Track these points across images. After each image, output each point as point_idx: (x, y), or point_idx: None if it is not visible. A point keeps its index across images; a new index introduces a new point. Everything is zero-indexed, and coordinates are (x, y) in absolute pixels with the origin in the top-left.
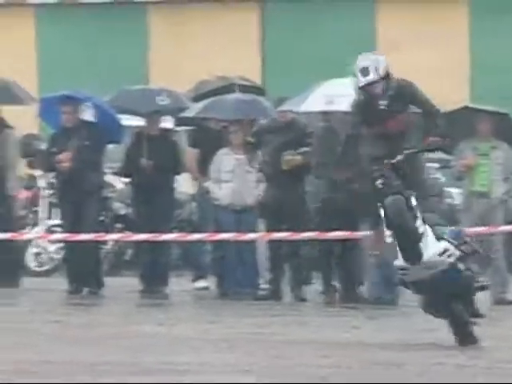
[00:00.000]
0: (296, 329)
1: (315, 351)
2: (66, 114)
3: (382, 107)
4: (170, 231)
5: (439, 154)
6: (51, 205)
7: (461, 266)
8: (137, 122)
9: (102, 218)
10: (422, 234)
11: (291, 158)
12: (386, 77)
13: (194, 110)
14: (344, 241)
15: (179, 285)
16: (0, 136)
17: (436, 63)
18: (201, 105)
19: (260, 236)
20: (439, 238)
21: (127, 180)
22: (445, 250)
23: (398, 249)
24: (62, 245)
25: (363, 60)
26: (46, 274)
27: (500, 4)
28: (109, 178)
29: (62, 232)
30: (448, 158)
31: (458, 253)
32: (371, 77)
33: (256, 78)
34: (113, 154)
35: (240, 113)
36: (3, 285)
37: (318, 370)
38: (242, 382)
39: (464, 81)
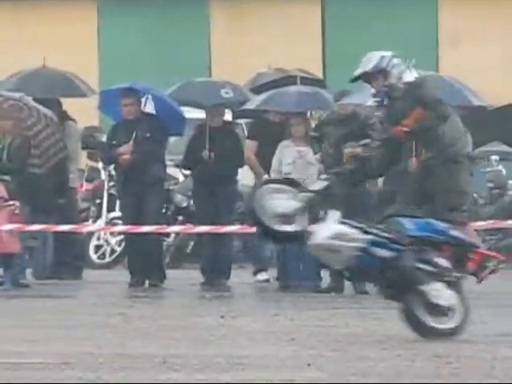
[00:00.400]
0: (357, 321)
1: (376, 344)
2: (127, 107)
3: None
4: (232, 223)
5: (501, 147)
6: (112, 197)
7: (382, 252)
8: (199, 114)
9: (163, 211)
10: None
11: (352, 150)
12: (378, 74)
13: (255, 102)
14: None
15: (240, 277)
16: (62, 128)
17: (498, 59)
18: (262, 97)
19: None
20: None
21: (189, 172)
22: (338, 234)
23: None
24: (123, 237)
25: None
26: (108, 266)
27: None
28: (170, 171)
29: (122, 224)
30: (509, 150)
31: (368, 237)
32: (357, 71)
33: (317, 71)
34: (174, 147)
35: (302, 105)
36: (66, 277)
37: (379, 363)
38: (303, 376)
39: None
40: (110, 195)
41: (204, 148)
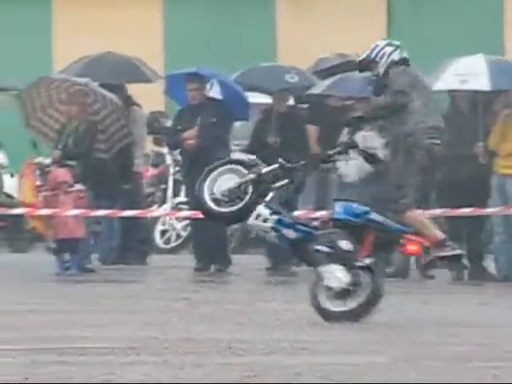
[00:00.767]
0: (422, 306)
1: (442, 329)
2: (192, 91)
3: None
4: (297, 208)
5: None
6: (177, 182)
7: (288, 232)
8: (265, 99)
9: None
10: None
11: None
12: (371, 64)
13: (320, 87)
14: (472, 218)
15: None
16: (128, 114)
17: None
18: (327, 82)
19: None
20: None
21: (255, 157)
22: (258, 215)
23: None
24: (188, 222)
25: None
26: (173, 251)
27: None
28: (236, 156)
29: (188, 209)
30: None
31: (274, 217)
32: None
33: None
34: (240, 132)
35: (366, 90)
36: (131, 262)
37: (444, 348)
38: (367, 361)
39: None
40: (175, 180)
41: (270, 133)
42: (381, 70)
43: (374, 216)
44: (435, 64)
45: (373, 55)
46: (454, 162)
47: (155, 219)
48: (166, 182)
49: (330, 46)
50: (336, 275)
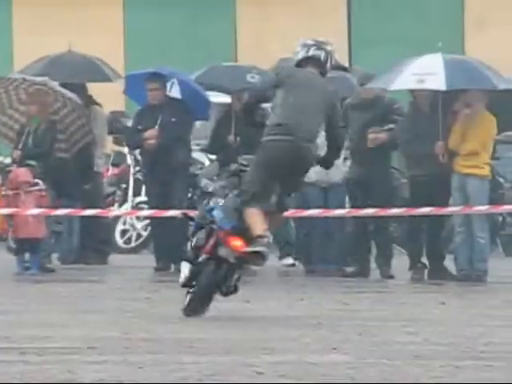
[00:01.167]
0: (383, 306)
1: (403, 328)
2: (152, 91)
3: None
4: None
5: None
6: (138, 182)
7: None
8: (225, 98)
9: (189, 195)
10: None
11: (375, 136)
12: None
13: None
14: (433, 217)
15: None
16: (88, 113)
17: None
18: None
19: (347, 212)
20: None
21: (214, 157)
22: None
23: None
24: (149, 222)
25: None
26: (134, 250)
27: None
28: (196, 155)
29: (148, 209)
30: None
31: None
32: None
33: (342, 55)
34: (200, 131)
35: None
36: (92, 262)
37: (405, 347)
38: (329, 360)
39: None
40: (135, 180)
41: (230, 133)
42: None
43: (214, 212)
44: (394, 63)
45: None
46: (414, 161)
47: (115, 219)
48: (126, 182)
49: (290, 46)
50: (182, 271)
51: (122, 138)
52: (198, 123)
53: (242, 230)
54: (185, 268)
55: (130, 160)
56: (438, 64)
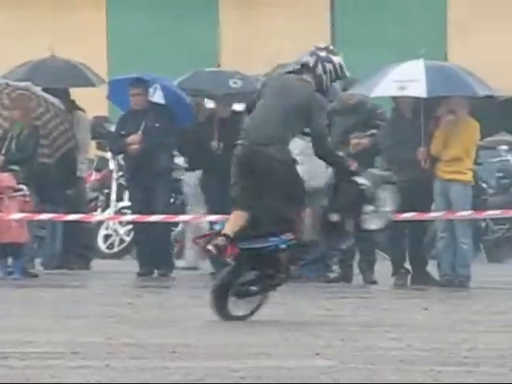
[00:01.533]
0: (366, 311)
1: (386, 333)
2: (135, 96)
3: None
4: None
5: (510, 137)
6: (121, 187)
7: None
8: (209, 104)
9: (172, 200)
10: None
11: (358, 141)
12: None
13: None
14: (415, 222)
15: None
16: (71, 118)
17: (507, 46)
18: None
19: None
20: None
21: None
22: None
23: None
24: (132, 227)
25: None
26: (117, 256)
27: None
28: (180, 160)
29: (131, 214)
30: None
31: None
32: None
33: None
34: None
35: None
36: (75, 267)
37: (389, 352)
38: (312, 365)
39: None
40: (118, 185)
41: (213, 138)
42: None
43: None
44: (377, 68)
45: None
46: (396, 166)
47: (98, 224)
48: (109, 187)
49: (273, 49)
50: None
51: (105, 143)
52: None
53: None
54: None
55: (112, 165)
56: (419, 71)
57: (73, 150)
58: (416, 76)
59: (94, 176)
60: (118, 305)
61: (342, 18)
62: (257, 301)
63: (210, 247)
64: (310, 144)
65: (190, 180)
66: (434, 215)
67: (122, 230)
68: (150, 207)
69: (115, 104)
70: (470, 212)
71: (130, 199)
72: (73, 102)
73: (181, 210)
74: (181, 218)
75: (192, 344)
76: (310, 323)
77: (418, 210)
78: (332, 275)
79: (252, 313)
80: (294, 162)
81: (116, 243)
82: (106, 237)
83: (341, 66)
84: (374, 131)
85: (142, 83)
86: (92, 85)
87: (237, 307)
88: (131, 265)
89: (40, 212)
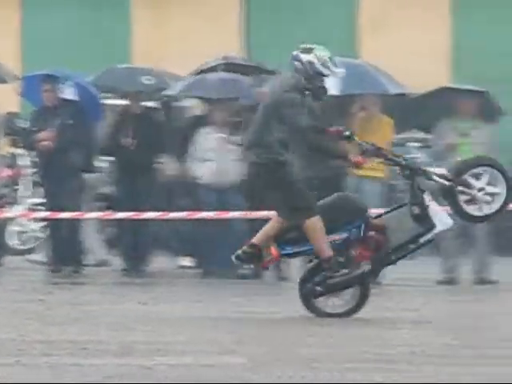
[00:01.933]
0: (278, 308)
1: (297, 330)
2: (46, 93)
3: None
4: (153, 210)
5: (419, 134)
6: (34, 184)
7: None
8: (121, 100)
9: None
10: None
11: None
12: None
13: (176, 88)
14: None
15: (162, 263)
16: None
17: (418, 44)
18: (184, 83)
19: (242, 214)
20: None
21: (110, 159)
22: None
23: None
24: (44, 223)
25: (326, 51)
26: (29, 252)
27: None
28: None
29: (43, 211)
30: (428, 137)
31: None
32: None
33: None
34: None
35: (222, 92)
36: None
37: (303, 349)
38: (224, 362)
39: (446, 62)
40: (31, 181)
41: (125, 135)
42: None
43: None
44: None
45: None
46: (307, 163)
47: (9, 220)
48: (19, 184)
49: (186, 48)
50: None
51: (18, 140)
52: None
53: None
54: None
55: (24, 161)
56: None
57: None
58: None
59: (5, 172)
60: (30, 301)
61: (253, 17)
62: (352, 300)
63: (239, 255)
64: (222, 141)
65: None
66: None
67: (33, 227)
68: (61, 204)
69: (28, 100)
70: (381, 210)
71: (43, 196)
72: None
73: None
74: (87, 215)
75: (104, 341)
76: (224, 320)
77: None
78: (244, 272)
79: (349, 311)
80: (282, 162)
81: (28, 239)
82: (18, 233)
83: (310, 63)
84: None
85: (53, 80)
86: (4, 81)
87: (327, 305)
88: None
89: None
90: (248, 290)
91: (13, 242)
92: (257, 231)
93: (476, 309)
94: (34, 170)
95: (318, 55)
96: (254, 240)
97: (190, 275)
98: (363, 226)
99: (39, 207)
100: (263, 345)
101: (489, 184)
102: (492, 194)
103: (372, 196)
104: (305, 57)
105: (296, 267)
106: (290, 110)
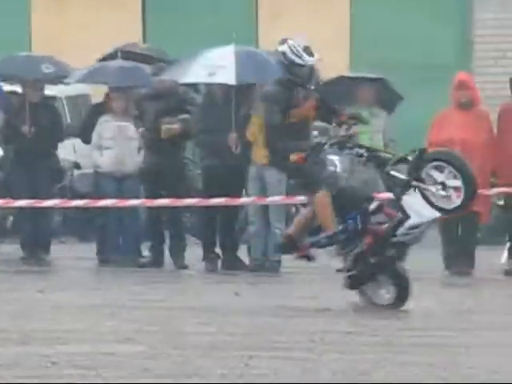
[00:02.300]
0: (177, 296)
1: (197, 318)
2: None
3: (311, 88)
4: (52, 198)
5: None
6: None
7: None
8: (19, 88)
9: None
10: None
11: (169, 126)
12: None
13: (76, 76)
14: (226, 207)
15: (60, 252)
16: None
17: (318, 32)
18: (84, 71)
19: (141, 203)
20: None
21: (8, 147)
22: None
23: None
24: None
25: (301, 39)
26: None
27: None
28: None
29: None
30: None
31: None
32: (317, 56)
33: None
34: None
35: (122, 80)
36: None
37: (199, 337)
38: (123, 350)
39: (345, 50)
40: None
41: (23, 123)
42: None
43: None
44: (187, 54)
45: None
46: (207, 151)
47: None
48: None
49: (88, 35)
50: None
51: None
52: None
53: None
54: None
55: None
56: (228, 57)
57: None
58: (225, 62)
59: None
60: None
61: (153, 4)
62: (395, 291)
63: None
64: (121, 129)
65: None
66: (245, 200)
67: None
68: None
69: None
70: (281, 197)
71: None
72: None
73: None
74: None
75: (3, 329)
76: (122, 308)
77: (229, 195)
78: (143, 260)
79: (395, 302)
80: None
81: None
82: None
83: (283, 54)
84: (185, 116)
85: None
86: None
87: (375, 294)
88: None
89: None
90: (148, 278)
91: None
92: (159, 220)
93: None
94: None
95: (290, 44)
96: (289, 231)
97: (89, 263)
98: (359, 217)
99: None
100: (162, 333)
101: (452, 177)
102: (455, 188)
103: (274, 184)
104: (280, 48)
105: (196, 256)
106: (263, 104)
